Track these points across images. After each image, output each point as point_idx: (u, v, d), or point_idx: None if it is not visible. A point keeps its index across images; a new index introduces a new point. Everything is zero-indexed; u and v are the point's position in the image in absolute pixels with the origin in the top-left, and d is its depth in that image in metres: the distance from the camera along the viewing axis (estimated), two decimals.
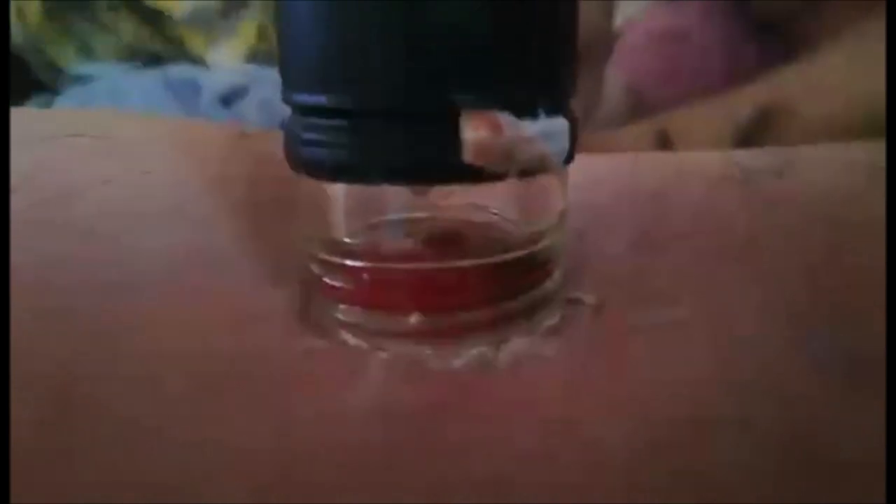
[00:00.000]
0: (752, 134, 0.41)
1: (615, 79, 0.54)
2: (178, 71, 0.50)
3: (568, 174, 0.12)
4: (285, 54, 0.11)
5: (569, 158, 0.12)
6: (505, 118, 0.10)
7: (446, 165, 0.10)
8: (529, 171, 0.11)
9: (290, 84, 0.11)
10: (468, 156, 0.10)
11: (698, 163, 0.15)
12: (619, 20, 0.61)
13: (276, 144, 0.16)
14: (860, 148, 0.16)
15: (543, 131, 0.11)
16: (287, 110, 0.12)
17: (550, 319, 0.12)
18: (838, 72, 0.42)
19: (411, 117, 0.10)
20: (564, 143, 0.11)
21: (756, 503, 0.09)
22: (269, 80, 0.51)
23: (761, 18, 0.53)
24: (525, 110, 0.10)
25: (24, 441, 0.10)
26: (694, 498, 0.09)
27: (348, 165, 0.11)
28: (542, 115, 0.11)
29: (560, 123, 0.11)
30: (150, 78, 0.48)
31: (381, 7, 0.10)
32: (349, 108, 0.10)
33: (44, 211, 0.13)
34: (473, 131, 0.10)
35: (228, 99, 0.47)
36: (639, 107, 0.54)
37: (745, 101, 0.44)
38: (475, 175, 0.10)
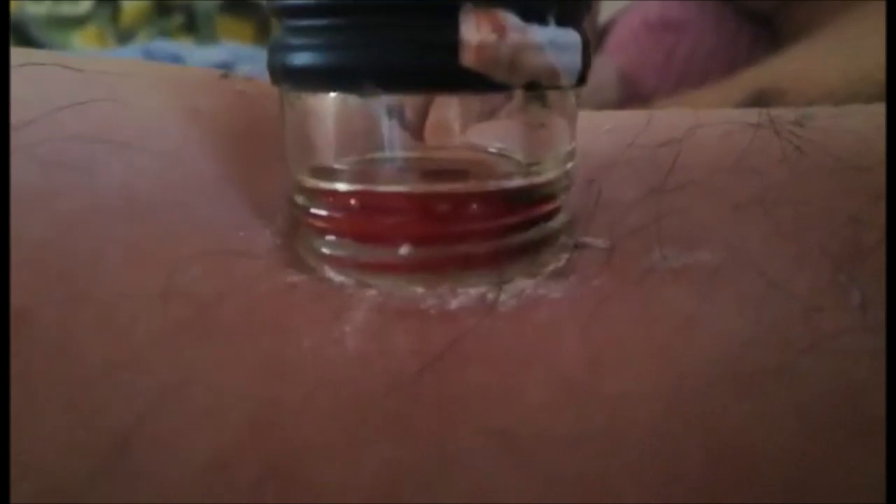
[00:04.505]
0: None
1: (608, 66, 0.53)
2: (160, 46, 0.49)
3: (577, 115, 0.11)
4: None
5: (581, 79, 0.10)
6: (510, 19, 0.09)
7: (443, 71, 0.09)
8: (537, 84, 0.10)
9: None
10: (467, 59, 0.09)
11: (716, 115, 0.14)
12: (612, 9, 0.60)
13: (256, 86, 0.15)
14: (880, 106, 0.15)
15: (553, 41, 0.10)
16: None
17: (556, 262, 0.11)
18: (832, 57, 0.42)
19: (405, 15, 0.09)
20: (576, 59, 0.10)
21: (799, 463, 0.08)
22: (254, 58, 0.49)
23: (753, 8, 0.53)
24: (533, 13, 0.09)
25: None
26: (731, 458, 0.08)
27: (332, 70, 0.10)
28: (552, 24, 0.10)
29: (571, 35, 0.10)
30: (130, 51, 0.47)
31: None
32: (335, 4, 0.09)
33: (16, 136, 0.11)
34: (474, 31, 0.09)
35: None
36: (631, 95, 0.53)
37: (738, 87, 0.44)
38: (476, 83, 0.09)
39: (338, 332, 0.09)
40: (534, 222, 0.11)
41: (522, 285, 0.10)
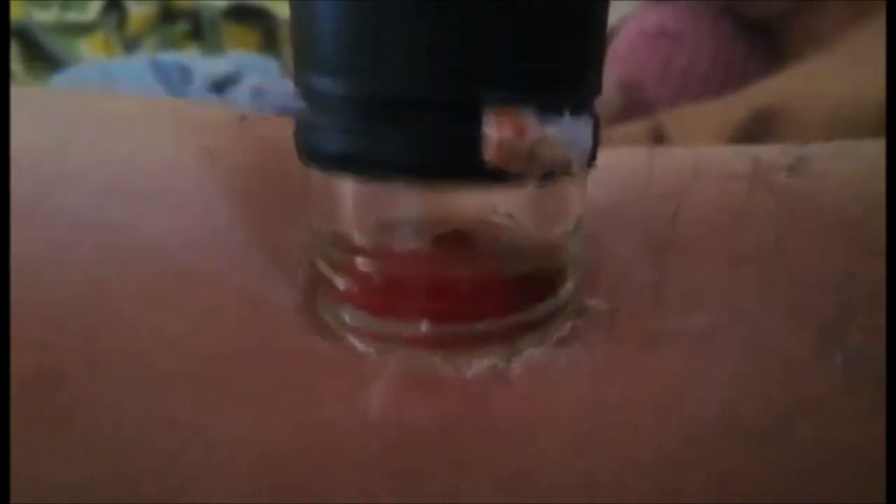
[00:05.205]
0: (751, 136, 0.41)
1: (609, 75, 0.54)
2: (168, 57, 0.49)
3: (587, 181, 0.12)
4: (301, 34, 0.10)
5: (591, 160, 0.11)
6: (529, 117, 0.10)
7: (464, 165, 0.10)
8: (551, 174, 0.10)
9: (303, 67, 0.10)
10: (489, 155, 0.10)
11: (713, 159, 0.14)
12: (610, 20, 0.60)
13: (275, 128, 0.15)
14: (872, 144, 0.15)
15: (567, 132, 0.10)
16: (288, 99, 0.11)
17: (561, 330, 0.12)
18: (834, 74, 0.42)
19: (430, 110, 0.10)
20: (588, 145, 0.11)
21: None
22: (260, 68, 0.50)
23: (750, 18, 0.53)
24: (551, 109, 0.10)
25: (16, 434, 0.09)
26: None
27: (359, 158, 0.10)
28: (567, 115, 0.10)
29: (584, 124, 0.11)
30: (138, 61, 0.47)
31: None
32: (364, 96, 0.10)
33: (36, 195, 0.12)
34: (496, 129, 0.10)
35: (221, 85, 0.46)
36: (631, 104, 0.53)
37: (742, 103, 0.44)
38: (495, 177, 0.10)
39: (360, 400, 0.10)
40: (547, 295, 0.11)
41: (531, 354, 0.11)
